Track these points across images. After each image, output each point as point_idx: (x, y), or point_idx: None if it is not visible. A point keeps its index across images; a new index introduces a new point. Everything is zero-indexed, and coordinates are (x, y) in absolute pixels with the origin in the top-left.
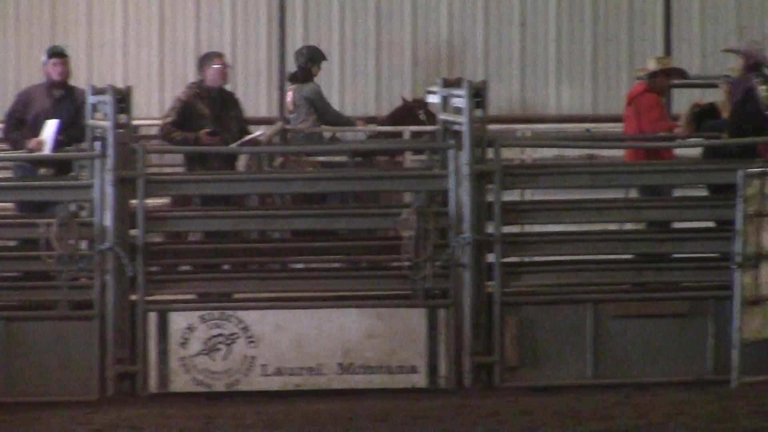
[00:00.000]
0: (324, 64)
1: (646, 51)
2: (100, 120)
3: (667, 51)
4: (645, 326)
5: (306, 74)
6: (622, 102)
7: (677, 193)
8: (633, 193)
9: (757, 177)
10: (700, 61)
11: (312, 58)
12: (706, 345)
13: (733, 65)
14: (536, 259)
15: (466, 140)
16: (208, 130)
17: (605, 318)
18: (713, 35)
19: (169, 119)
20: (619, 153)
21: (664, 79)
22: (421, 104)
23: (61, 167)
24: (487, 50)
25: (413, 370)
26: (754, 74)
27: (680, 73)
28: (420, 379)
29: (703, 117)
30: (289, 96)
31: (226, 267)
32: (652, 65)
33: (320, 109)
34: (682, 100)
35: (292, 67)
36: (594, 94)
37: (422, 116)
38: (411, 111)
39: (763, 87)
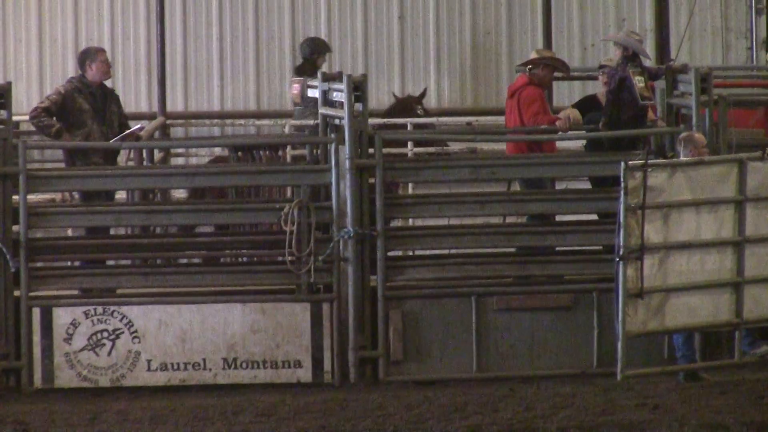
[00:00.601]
0: (203, 60)
1: (527, 44)
2: None
3: (548, 43)
4: (529, 319)
5: (312, 66)
6: (503, 95)
7: (560, 185)
8: (516, 186)
9: (639, 169)
10: (580, 53)
11: (316, 49)
12: (590, 338)
13: (612, 56)
14: (419, 252)
15: (347, 134)
16: (58, 126)
17: (489, 311)
18: (593, 27)
19: (42, 105)
20: (501, 146)
21: (547, 72)
22: (418, 100)
23: None
24: (366, 44)
25: (298, 364)
26: (630, 64)
27: (563, 65)
28: (305, 374)
29: (585, 108)
30: (296, 89)
31: (110, 262)
32: (532, 55)
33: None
34: (563, 93)
35: (173, 61)
36: (474, 87)
37: (420, 111)
38: (408, 106)
39: (640, 78)
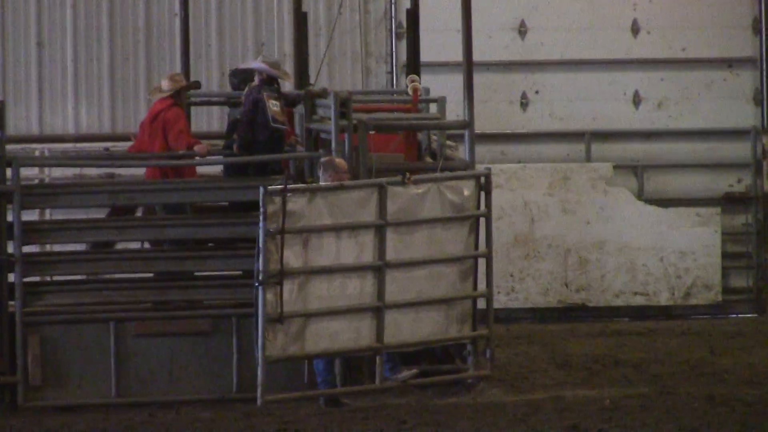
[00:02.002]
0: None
1: (165, 69)
2: None
3: (186, 68)
4: (168, 345)
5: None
6: (141, 120)
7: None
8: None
9: (278, 194)
10: (219, 78)
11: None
12: (230, 363)
13: (253, 83)
14: (58, 278)
15: None
16: None
17: (128, 337)
18: (232, 53)
19: None
20: (140, 171)
21: (184, 95)
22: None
23: None
24: (4, 71)
25: None
26: (266, 87)
27: (197, 85)
28: None
29: (233, 132)
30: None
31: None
32: (165, 84)
33: None
34: (202, 118)
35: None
36: (112, 112)
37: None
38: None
39: (275, 101)
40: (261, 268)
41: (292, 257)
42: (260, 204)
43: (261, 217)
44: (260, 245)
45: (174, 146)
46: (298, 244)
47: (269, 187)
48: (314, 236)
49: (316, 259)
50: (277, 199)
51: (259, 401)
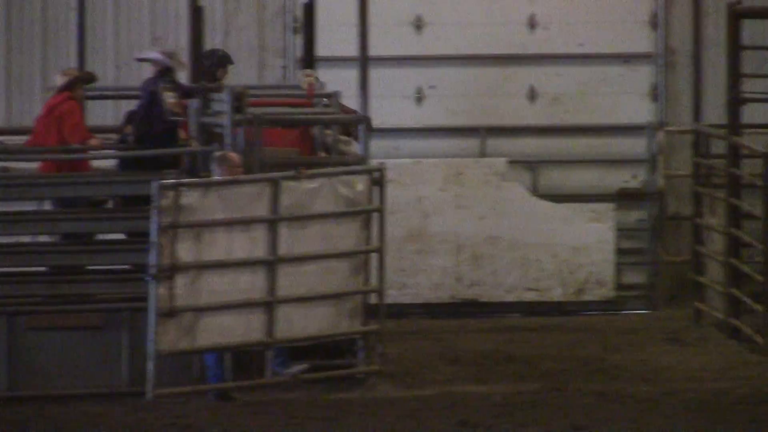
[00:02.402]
0: None
1: (60, 62)
2: None
3: (81, 62)
4: (60, 338)
5: (211, 77)
6: (36, 113)
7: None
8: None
9: (171, 188)
10: (114, 72)
11: (218, 61)
12: (121, 357)
13: (150, 75)
14: None
15: None
16: None
17: (20, 330)
18: (128, 46)
19: None
20: (34, 165)
21: (80, 89)
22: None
23: None
24: None
25: None
26: (162, 79)
27: (90, 77)
28: None
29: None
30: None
31: None
32: (59, 80)
33: None
34: (97, 112)
35: None
36: (7, 105)
37: None
38: None
39: (171, 93)
40: (153, 262)
41: (185, 251)
42: (153, 198)
43: (154, 211)
44: (153, 239)
45: (69, 140)
46: (191, 238)
47: (162, 181)
48: (207, 230)
49: (209, 253)
50: (171, 193)
51: (148, 395)
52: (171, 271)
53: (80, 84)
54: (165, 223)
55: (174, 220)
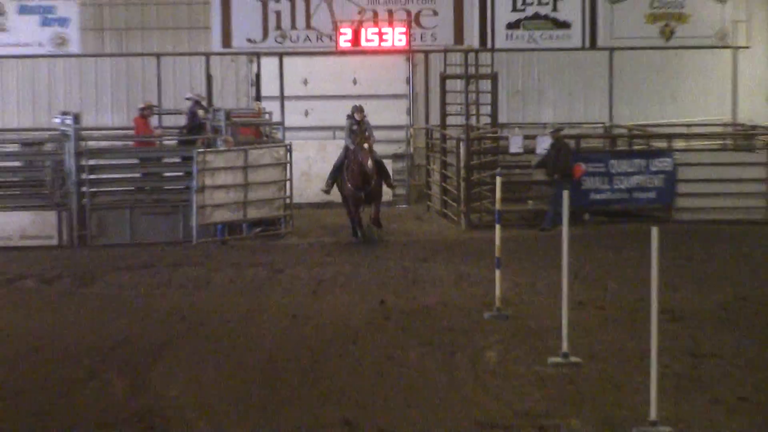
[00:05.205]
0: None
1: (146, 97)
2: None
3: (159, 96)
4: (152, 218)
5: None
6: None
7: None
8: None
9: (202, 154)
10: (174, 103)
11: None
12: (179, 226)
13: (191, 104)
14: None
15: None
16: None
17: (136, 215)
18: (179, 90)
19: None
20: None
21: (147, 111)
22: None
23: None
24: None
25: None
26: (196, 106)
27: (152, 106)
28: None
29: None
30: None
31: None
32: (143, 105)
33: None
34: (168, 120)
35: None
36: (126, 117)
37: None
38: None
39: (201, 112)
40: (194, 185)
41: (207, 180)
42: (194, 158)
43: (194, 164)
44: (194, 175)
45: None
46: (209, 175)
47: (197, 150)
48: (216, 172)
49: (217, 181)
50: (201, 156)
51: (194, 242)
52: (201, 188)
53: (148, 109)
54: (199, 168)
55: (203, 167)
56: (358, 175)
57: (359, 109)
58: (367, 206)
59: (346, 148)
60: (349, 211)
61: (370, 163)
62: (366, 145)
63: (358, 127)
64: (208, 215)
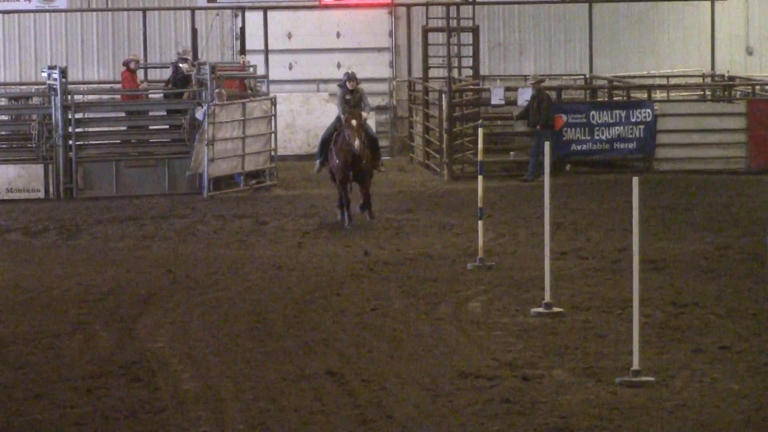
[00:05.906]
0: None
1: (132, 50)
2: None
3: (145, 51)
4: (145, 170)
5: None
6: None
7: None
8: None
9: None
10: (159, 57)
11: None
12: (181, 179)
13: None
14: None
15: None
16: None
17: (123, 169)
18: (165, 44)
19: None
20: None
21: (132, 63)
22: None
23: None
24: None
25: None
26: (180, 60)
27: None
28: None
29: None
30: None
31: None
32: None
33: None
34: (153, 74)
35: None
36: (112, 71)
37: None
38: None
39: (185, 65)
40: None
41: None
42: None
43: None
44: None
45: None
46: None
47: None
48: (219, 125)
49: (219, 134)
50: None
51: (204, 194)
52: (212, 141)
53: (134, 62)
54: (210, 121)
55: (213, 120)
56: (346, 153)
57: (352, 77)
58: (356, 183)
59: (338, 119)
60: (336, 185)
61: (357, 143)
62: (354, 122)
63: (352, 97)
64: (214, 168)
